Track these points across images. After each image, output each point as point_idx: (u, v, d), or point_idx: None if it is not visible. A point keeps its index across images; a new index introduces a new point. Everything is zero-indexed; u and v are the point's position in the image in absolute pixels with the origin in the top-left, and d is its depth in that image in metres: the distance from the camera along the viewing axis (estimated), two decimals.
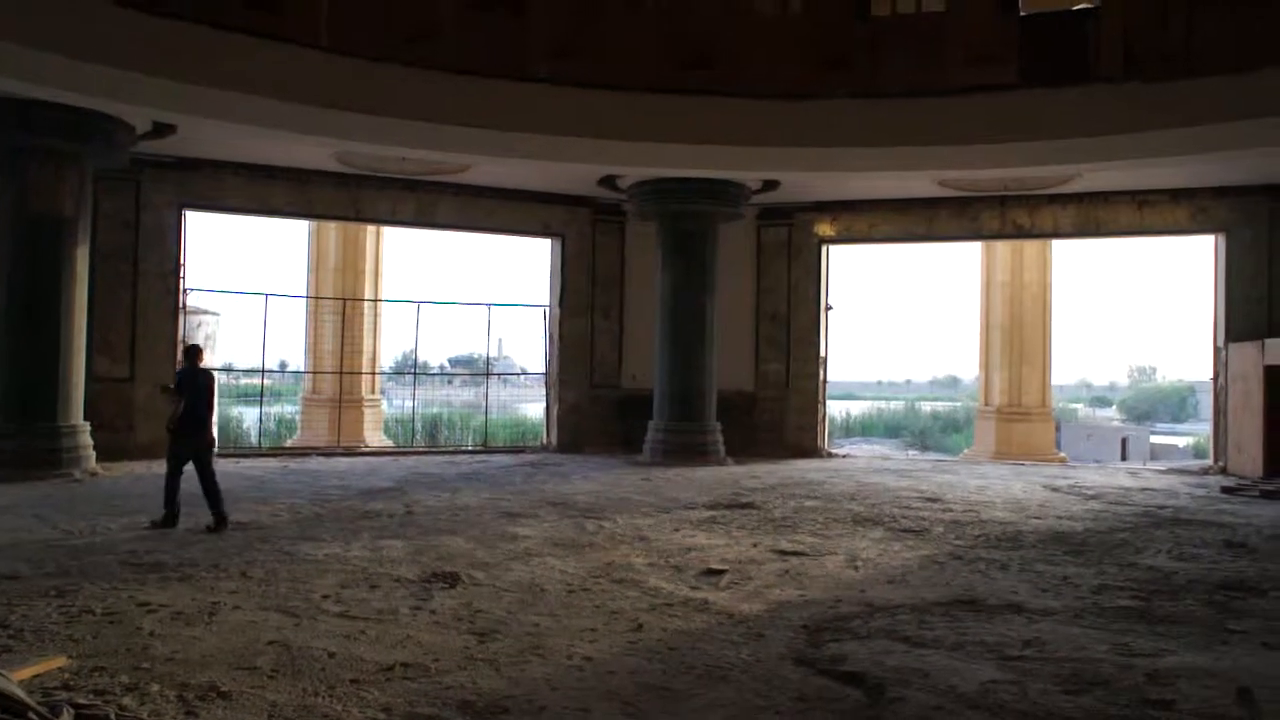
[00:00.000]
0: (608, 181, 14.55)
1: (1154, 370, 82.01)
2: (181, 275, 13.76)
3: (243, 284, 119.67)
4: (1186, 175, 13.68)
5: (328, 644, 4.72)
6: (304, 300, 18.76)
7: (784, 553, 7.35)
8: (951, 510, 9.70)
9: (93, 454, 11.67)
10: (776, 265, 16.11)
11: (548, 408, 16.54)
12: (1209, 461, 14.89)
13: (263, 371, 17.32)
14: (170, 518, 7.94)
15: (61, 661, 4.32)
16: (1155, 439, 31.60)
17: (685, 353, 14.55)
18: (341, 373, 17.67)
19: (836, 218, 15.98)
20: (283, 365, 26.91)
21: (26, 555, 6.69)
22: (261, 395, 18.01)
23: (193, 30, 10.06)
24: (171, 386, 8.43)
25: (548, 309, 16.44)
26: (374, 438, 18.59)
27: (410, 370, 20.52)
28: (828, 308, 16.33)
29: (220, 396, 12.38)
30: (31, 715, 3.45)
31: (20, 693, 3.55)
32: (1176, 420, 53.75)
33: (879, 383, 77.72)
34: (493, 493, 10.57)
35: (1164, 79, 11.05)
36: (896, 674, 4.39)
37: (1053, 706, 4.01)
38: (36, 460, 10.87)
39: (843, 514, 9.35)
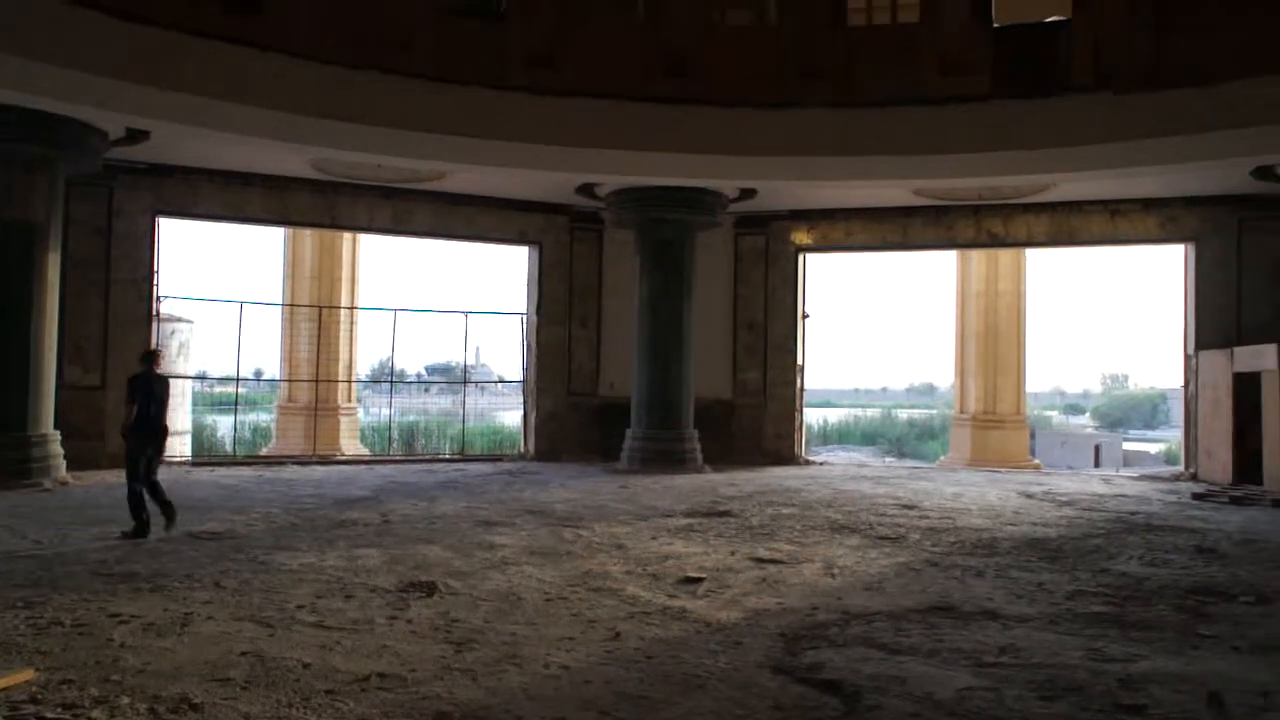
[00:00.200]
0: (585, 189, 14.57)
1: (1126, 378, 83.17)
2: (155, 282, 13.60)
3: (217, 291, 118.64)
4: (1158, 185, 13.88)
5: (302, 654, 4.67)
6: (279, 308, 18.63)
7: (761, 560, 7.36)
8: (928, 517, 9.74)
9: (63, 463, 11.51)
10: (754, 273, 16.18)
11: (525, 416, 16.49)
12: (1180, 468, 15.05)
13: (237, 379, 17.19)
14: (141, 528, 7.84)
15: (29, 675, 4.24)
16: (1128, 446, 31.94)
17: (663, 361, 14.56)
18: (317, 381, 17.55)
19: (813, 226, 16.08)
20: (258, 373, 26.70)
21: None
22: (236, 403, 17.85)
23: (166, 36, 9.98)
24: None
25: (525, 317, 16.43)
26: (350, 446, 18.47)
27: (387, 378, 20.43)
28: (805, 316, 16.42)
29: (194, 404, 12.26)
30: None
31: None
32: (1149, 427, 54.46)
33: (856, 390, 78.25)
34: (470, 501, 10.52)
35: (1134, 90, 11.23)
36: (873, 681, 4.40)
37: (1028, 712, 4.04)
38: (5, 470, 10.71)
39: (820, 521, 9.37)
